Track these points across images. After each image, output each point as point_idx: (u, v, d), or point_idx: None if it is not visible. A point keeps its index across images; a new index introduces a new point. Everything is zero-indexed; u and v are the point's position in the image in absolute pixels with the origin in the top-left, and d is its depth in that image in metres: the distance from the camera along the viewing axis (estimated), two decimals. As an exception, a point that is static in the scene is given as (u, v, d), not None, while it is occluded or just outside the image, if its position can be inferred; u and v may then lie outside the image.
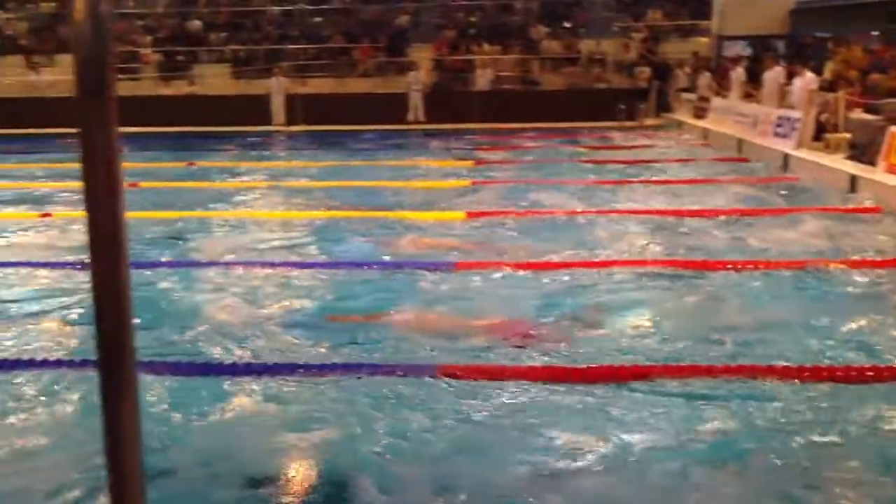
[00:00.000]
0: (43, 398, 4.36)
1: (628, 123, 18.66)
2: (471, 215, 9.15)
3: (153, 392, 4.24)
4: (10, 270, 7.02)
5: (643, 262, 6.90)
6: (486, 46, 21.63)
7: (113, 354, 1.20)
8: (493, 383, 4.56)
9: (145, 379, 4.19)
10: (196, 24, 23.33)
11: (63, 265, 7.05)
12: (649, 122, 19.09)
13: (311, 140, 15.26)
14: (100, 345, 1.19)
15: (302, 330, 5.45)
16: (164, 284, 6.39)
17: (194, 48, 22.51)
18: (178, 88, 21.40)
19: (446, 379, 4.60)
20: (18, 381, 4.56)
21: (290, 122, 19.24)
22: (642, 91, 19.92)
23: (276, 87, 19.55)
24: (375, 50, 22.03)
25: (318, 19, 23.45)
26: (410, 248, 7.72)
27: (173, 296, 6.15)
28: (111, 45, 1.18)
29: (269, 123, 19.26)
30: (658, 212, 9.05)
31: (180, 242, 8.10)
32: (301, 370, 4.70)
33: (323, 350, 5.09)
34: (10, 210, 10.09)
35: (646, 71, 20.39)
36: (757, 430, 3.95)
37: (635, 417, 4.12)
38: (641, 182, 11.23)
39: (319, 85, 20.58)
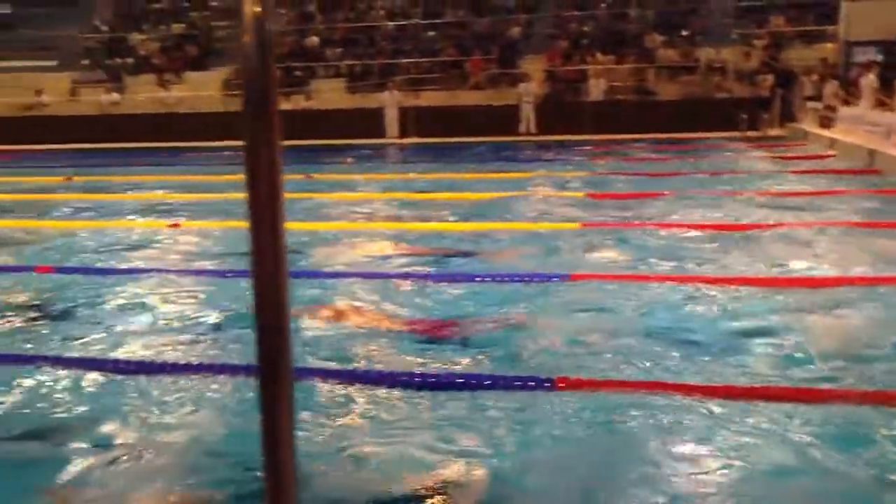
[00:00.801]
0: (178, 402, 4.52)
1: (750, 134, 17.96)
2: (585, 226, 9.00)
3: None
4: (142, 277, 7.37)
5: (776, 281, 6.57)
6: (600, 56, 21.34)
7: (272, 361, 1.21)
8: (613, 395, 4.45)
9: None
10: (314, 40, 24.07)
11: (193, 272, 7.35)
12: (773, 132, 18.31)
13: (423, 152, 15.48)
14: (259, 351, 1.21)
15: (414, 341, 5.46)
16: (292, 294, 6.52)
17: (312, 64, 23.23)
18: (296, 103, 22.13)
19: (567, 390, 4.51)
20: (156, 384, 4.74)
21: (402, 135, 19.54)
22: (765, 100, 19.14)
23: (390, 101, 19.90)
24: (487, 62, 22.11)
25: (431, 33, 23.74)
26: (522, 259, 7.66)
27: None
28: (274, 63, 1.20)
29: (383, 136, 19.62)
30: (786, 224, 8.62)
31: (299, 254, 8.31)
32: (418, 379, 4.70)
33: (440, 361, 5.07)
34: (142, 219, 10.61)
35: (768, 79, 19.60)
36: None
37: (778, 440, 3.88)
38: (766, 194, 10.76)
39: (431, 98, 20.83)
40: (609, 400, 4.50)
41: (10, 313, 6.29)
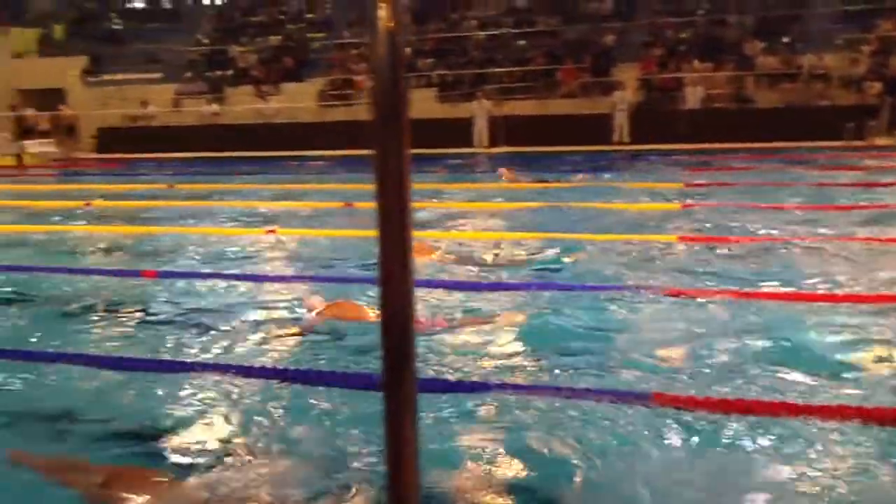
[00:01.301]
0: (271, 409, 4.60)
1: (856, 143, 17.15)
2: (682, 239, 8.76)
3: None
4: (242, 282, 7.58)
5: (881, 298, 6.23)
6: (697, 63, 20.81)
7: (397, 369, 1.22)
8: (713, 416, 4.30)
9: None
10: (406, 50, 24.37)
11: (287, 279, 7.52)
12: (880, 141, 17.44)
13: (513, 162, 15.42)
14: (385, 357, 1.23)
15: (511, 352, 5.41)
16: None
17: (407, 75, 23.52)
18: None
19: (663, 406, 4.39)
20: (256, 389, 4.84)
21: (492, 145, 19.53)
22: (872, 108, 18.25)
23: (479, 110, 19.93)
24: (579, 70, 21.89)
25: (521, 42, 23.68)
26: (615, 271, 7.51)
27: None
28: (404, 75, 1.23)
29: (472, 146, 19.66)
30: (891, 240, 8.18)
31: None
32: (510, 390, 4.65)
33: (537, 371, 5.03)
34: (239, 227, 10.93)
35: (876, 86, 18.69)
36: None
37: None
38: (875, 206, 10.24)
39: (522, 107, 20.74)
40: (707, 418, 4.35)
41: (119, 316, 6.57)
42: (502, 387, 4.71)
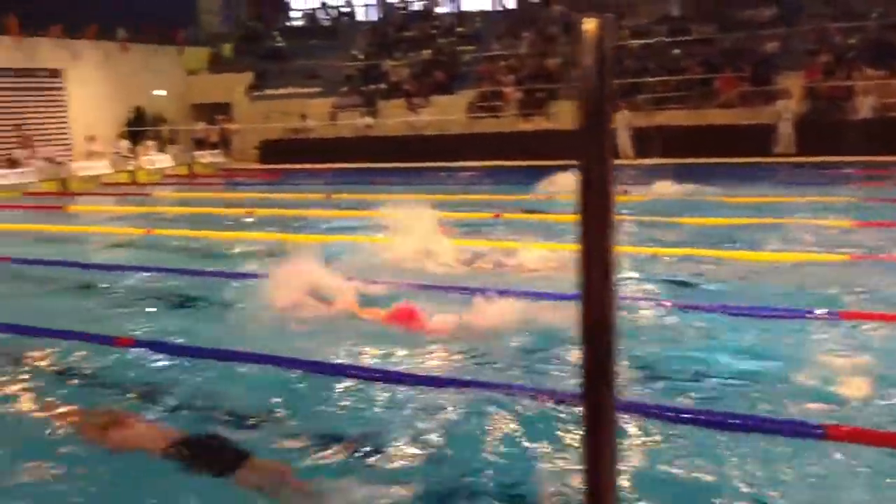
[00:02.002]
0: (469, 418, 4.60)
1: None
2: (855, 258, 8.17)
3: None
4: (400, 290, 7.72)
5: None
6: (869, 71, 19.43)
7: (597, 385, 1.19)
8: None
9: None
10: (555, 61, 24.24)
11: (441, 288, 7.58)
12: None
13: (663, 173, 14.94)
14: (585, 373, 1.20)
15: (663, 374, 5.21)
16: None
17: (552, 85, 23.41)
18: (537, 124, 22.37)
19: (841, 440, 4.08)
20: (432, 397, 4.89)
21: (639, 156, 19.03)
22: None
23: (621, 121, 19.52)
24: (738, 79, 20.98)
25: (676, 51, 22.98)
26: (780, 293, 7.08)
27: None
28: (612, 83, 1.20)
29: (617, 157, 19.21)
30: None
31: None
32: (669, 413, 4.47)
33: (696, 398, 4.82)
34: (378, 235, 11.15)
35: None
36: None
37: None
38: None
39: (676, 117, 20.11)
40: (891, 455, 4.01)
41: (286, 321, 6.84)
42: (661, 409, 4.54)
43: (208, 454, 4.16)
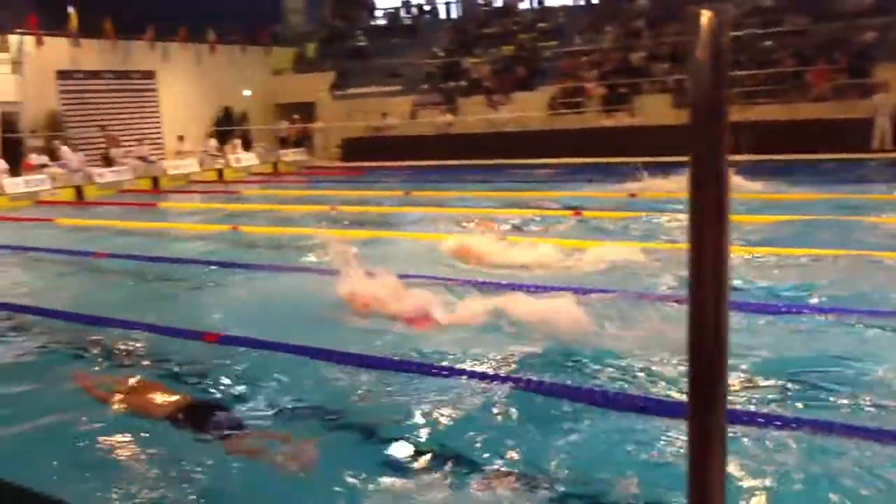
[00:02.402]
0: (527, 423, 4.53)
1: None
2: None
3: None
4: (473, 289, 7.67)
5: None
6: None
7: (706, 397, 1.12)
8: None
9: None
10: (639, 56, 23.74)
11: (520, 287, 7.49)
12: None
13: (755, 170, 14.42)
14: (693, 384, 1.12)
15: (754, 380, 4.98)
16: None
17: (636, 80, 22.94)
18: (619, 120, 21.96)
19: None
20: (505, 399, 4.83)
21: (732, 152, 18.44)
22: None
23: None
24: (833, 71, 20.09)
25: (767, 43, 22.17)
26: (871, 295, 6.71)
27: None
28: (727, 79, 1.12)
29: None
30: None
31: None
32: (760, 419, 4.27)
33: (788, 403, 4.59)
34: (471, 233, 11.09)
35: None
36: None
37: None
38: None
39: (768, 111, 19.39)
40: None
41: (363, 318, 6.87)
42: (751, 415, 4.34)
43: (207, 422, 4.58)
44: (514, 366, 5.47)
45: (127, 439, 4.57)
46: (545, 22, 28.17)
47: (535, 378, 5.10)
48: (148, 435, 4.60)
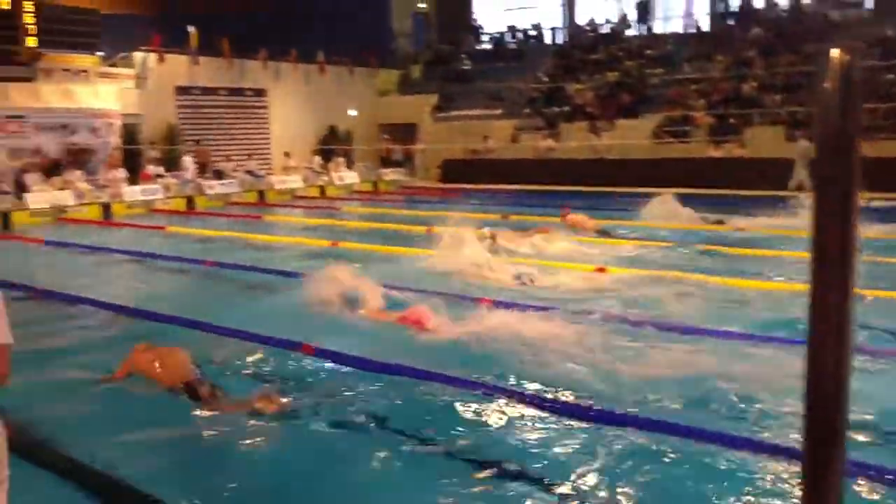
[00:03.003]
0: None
1: None
2: None
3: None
4: (562, 320, 7.50)
5: None
6: None
7: (824, 444, 1.04)
8: None
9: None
10: (751, 86, 23.02)
11: (617, 319, 7.30)
12: None
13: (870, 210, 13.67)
14: (809, 430, 1.05)
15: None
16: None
17: (747, 111, 22.23)
18: (728, 151, 21.31)
19: None
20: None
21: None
22: None
23: (801, 151, 18.29)
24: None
25: (890, 76, 21.12)
26: None
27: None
28: (859, 112, 1.04)
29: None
30: None
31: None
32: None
33: None
34: (566, 261, 10.91)
35: None
36: None
37: None
38: None
39: (886, 148, 18.41)
40: None
41: (448, 338, 6.82)
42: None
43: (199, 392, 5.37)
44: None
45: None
46: (653, 49, 27.73)
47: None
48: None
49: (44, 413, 5.26)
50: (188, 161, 21.16)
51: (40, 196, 17.35)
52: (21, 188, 17.60)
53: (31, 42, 21.90)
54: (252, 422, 5.02)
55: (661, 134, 22.84)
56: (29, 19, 21.81)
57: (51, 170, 18.76)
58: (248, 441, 4.80)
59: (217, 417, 5.14)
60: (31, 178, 18.02)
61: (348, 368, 6.12)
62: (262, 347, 6.65)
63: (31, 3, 21.71)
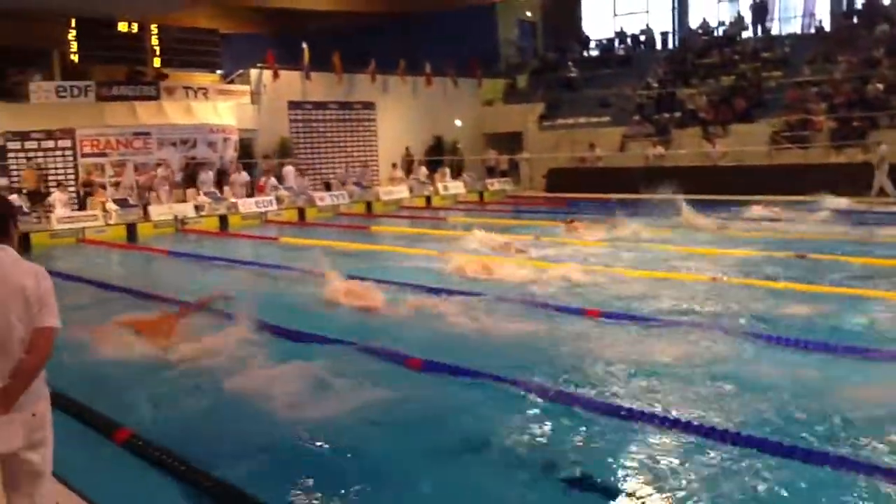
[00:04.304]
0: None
1: None
2: None
3: None
4: (682, 330, 7.23)
5: None
6: None
7: None
8: None
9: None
10: (877, 87, 21.72)
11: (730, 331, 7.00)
12: None
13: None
14: None
15: None
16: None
17: (873, 113, 21.00)
18: (851, 156, 20.18)
19: None
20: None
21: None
22: None
23: (881, 156, 17.25)
24: None
25: None
26: None
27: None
28: None
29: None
30: None
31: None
32: None
33: None
34: (677, 271, 10.54)
35: None
36: None
37: None
38: None
39: None
40: None
41: (564, 355, 6.68)
42: None
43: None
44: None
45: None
46: (770, 51, 26.62)
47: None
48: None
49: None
50: (290, 171, 21.70)
51: (163, 208, 18.26)
52: (145, 201, 18.58)
53: (157, 62, 23.13)
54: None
55: (779, 139, 21.86)
56: (155, 41, 23.05)
57: (174, 184, 19.69)
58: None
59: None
60: (155, 192, 18.99)
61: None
62: (372, 359, 6.71)
63: (157, 25, 22.92)
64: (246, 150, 22.81)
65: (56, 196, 17.53)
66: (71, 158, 19.28)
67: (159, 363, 6.75)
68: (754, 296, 8.68)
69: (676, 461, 4.47)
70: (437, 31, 28.33)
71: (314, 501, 4.22)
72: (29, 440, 3.05)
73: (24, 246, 15.97)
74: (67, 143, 19.24)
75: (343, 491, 4.31)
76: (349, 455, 4.78)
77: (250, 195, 20.31)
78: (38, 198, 17.65)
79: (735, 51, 27.35)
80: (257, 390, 5.85)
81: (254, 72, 23.44)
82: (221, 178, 20.53)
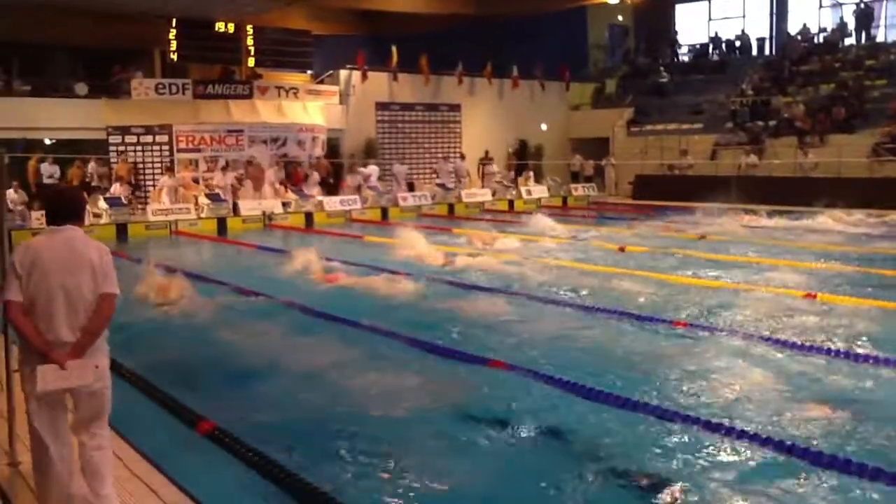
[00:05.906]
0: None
1: None
2: None
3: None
4: (761, 346, 6.98)
5: None
6: None
7: None
8: None
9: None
10: None
11: (821, 350, 6.72)
12: None
13: None
14: None
15: None
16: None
17: None
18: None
19: None
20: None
21: None
22: None
23: None
24: None
25: None
26: None
27: None
28: None
29: None
30: None
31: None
32: None
33: None
34: (769, 285, 10.16)
35: None
36: None
37: None
38: None
39: None
40: None
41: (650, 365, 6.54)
42: None
43: None
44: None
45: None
46: (874, 59, 25.45)
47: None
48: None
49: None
50: (373, 169, 21.90)
51: (252, 203, 18.77)
52: (236, 196, 19.13)
53: (251, 62, 23.78)
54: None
55: (881, 151, 20.85)
56: (250, 41, 23.70)
57: (264, 181, 20.20)
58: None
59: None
60: (244, 188, 19.53)
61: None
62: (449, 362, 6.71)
63: (252, 26, 23.57)
64: (333, 149, 23.21)
65: (164, 181, 18.69)
66: (168, 153, 20.04)
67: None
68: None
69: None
70: (525, 34, 28.19)
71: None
72: (92, 388, 3.66)
73: (122, 237, 16.71)
74: (164, 138, 20.02)
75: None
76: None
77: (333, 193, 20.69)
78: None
79: (836, 58, 26.26)
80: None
81: (343, 73, 23.84)
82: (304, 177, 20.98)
